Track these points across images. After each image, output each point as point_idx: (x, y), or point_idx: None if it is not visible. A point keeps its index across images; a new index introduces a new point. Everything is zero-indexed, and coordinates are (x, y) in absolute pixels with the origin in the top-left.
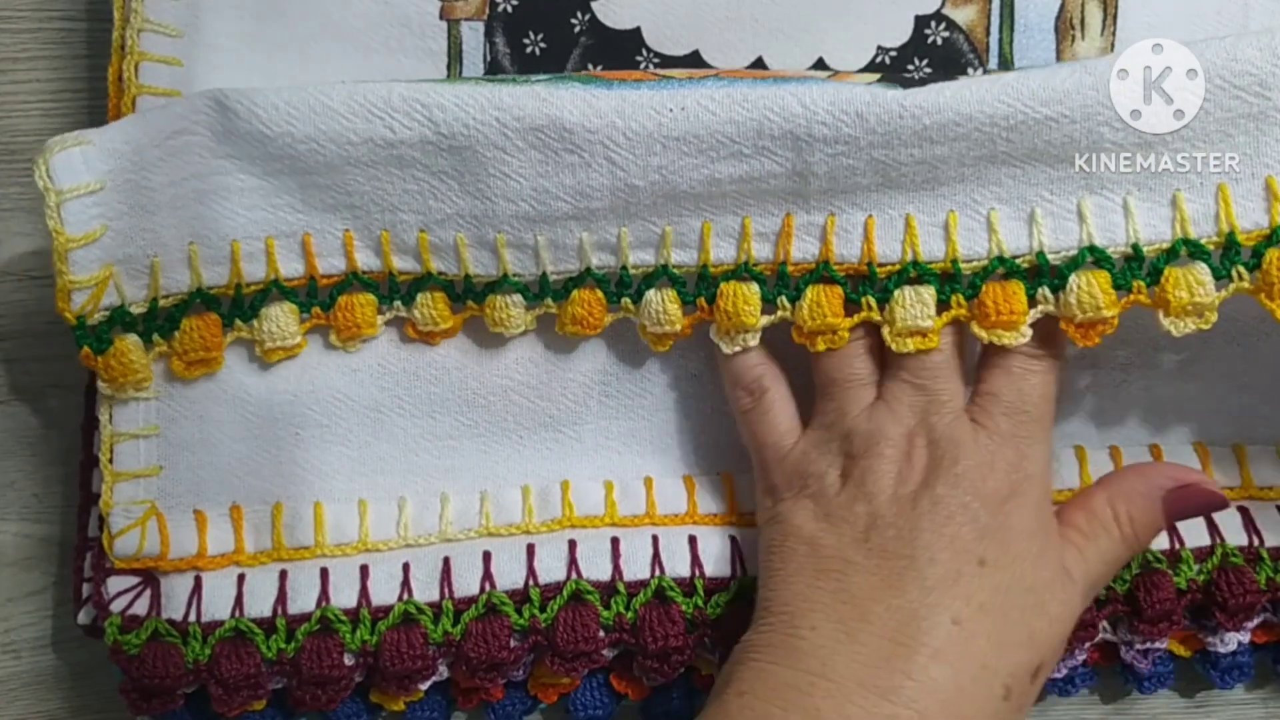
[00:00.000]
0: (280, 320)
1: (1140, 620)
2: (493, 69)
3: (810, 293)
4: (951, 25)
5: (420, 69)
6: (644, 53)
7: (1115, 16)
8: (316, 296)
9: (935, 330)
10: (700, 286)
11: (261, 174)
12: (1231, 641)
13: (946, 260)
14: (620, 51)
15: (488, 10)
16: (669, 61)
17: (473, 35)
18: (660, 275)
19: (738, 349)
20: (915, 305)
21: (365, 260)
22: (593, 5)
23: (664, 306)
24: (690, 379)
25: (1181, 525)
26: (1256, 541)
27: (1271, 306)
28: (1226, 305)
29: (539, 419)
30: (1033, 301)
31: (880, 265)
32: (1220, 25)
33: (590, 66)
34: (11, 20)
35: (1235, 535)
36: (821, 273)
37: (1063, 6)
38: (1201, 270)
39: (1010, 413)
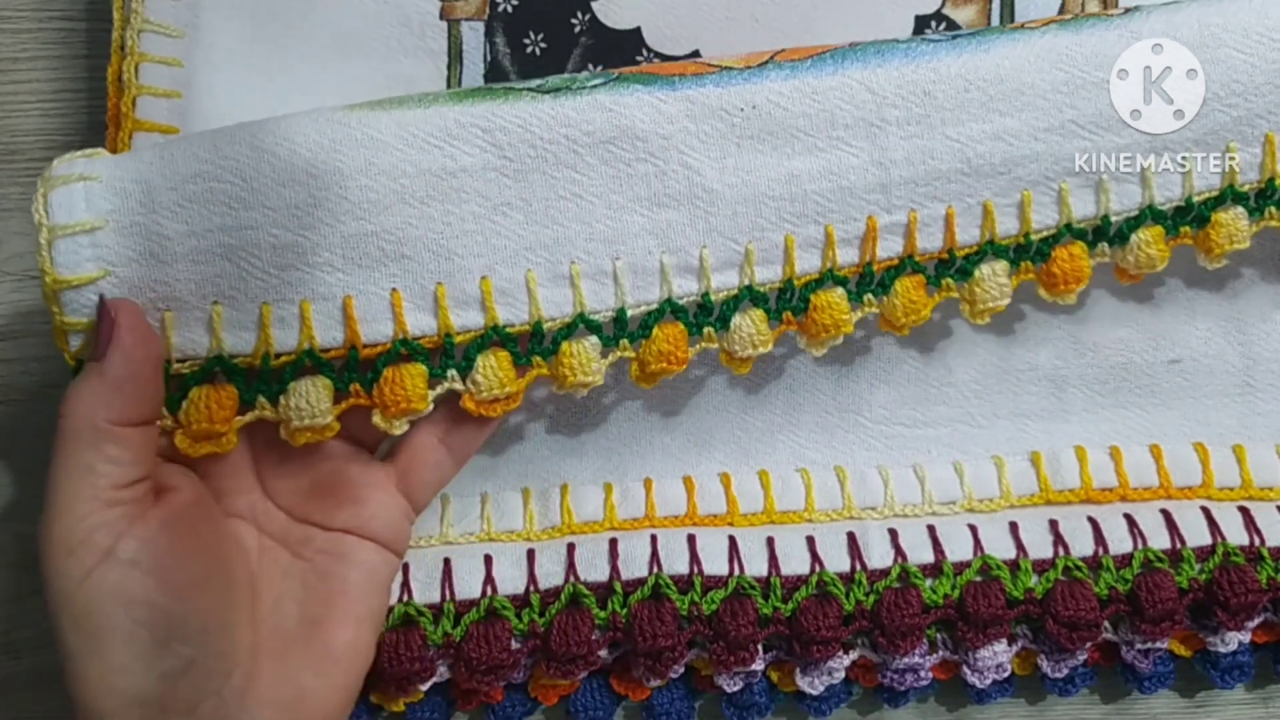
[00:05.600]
0: (311, 395)
1: (1142, 620)
2: (493, 69)
3: (900, 287)
4: (952, 25)
5: (420, 69)
6: (644, 53)
7: None
8: (356, 371)
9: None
10: (783, 300)
11: (298, 227)
12: (1232, 641)
13: (1020, 234)
14: (620, 51)
15: (488, 10)
16: (669, 62)
17: (473, 35)
18: (744, 297)
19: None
20: (994, 284)
21: (416, 322)
22: (593, 5)
23: (755, 329)
24: (691, 381)
25: (1182, 525)
26: (1257, 541)
27: None
28: (1229, 305)
29: (539, 423)
30: (1092, 257)
31: (960, 249)
32: None
33: (590, 66)
34: (11, 20)
35: (1236, 535)
36: (908, 267)
37: (1063, 6)
38: (1240, 214)
39: None
